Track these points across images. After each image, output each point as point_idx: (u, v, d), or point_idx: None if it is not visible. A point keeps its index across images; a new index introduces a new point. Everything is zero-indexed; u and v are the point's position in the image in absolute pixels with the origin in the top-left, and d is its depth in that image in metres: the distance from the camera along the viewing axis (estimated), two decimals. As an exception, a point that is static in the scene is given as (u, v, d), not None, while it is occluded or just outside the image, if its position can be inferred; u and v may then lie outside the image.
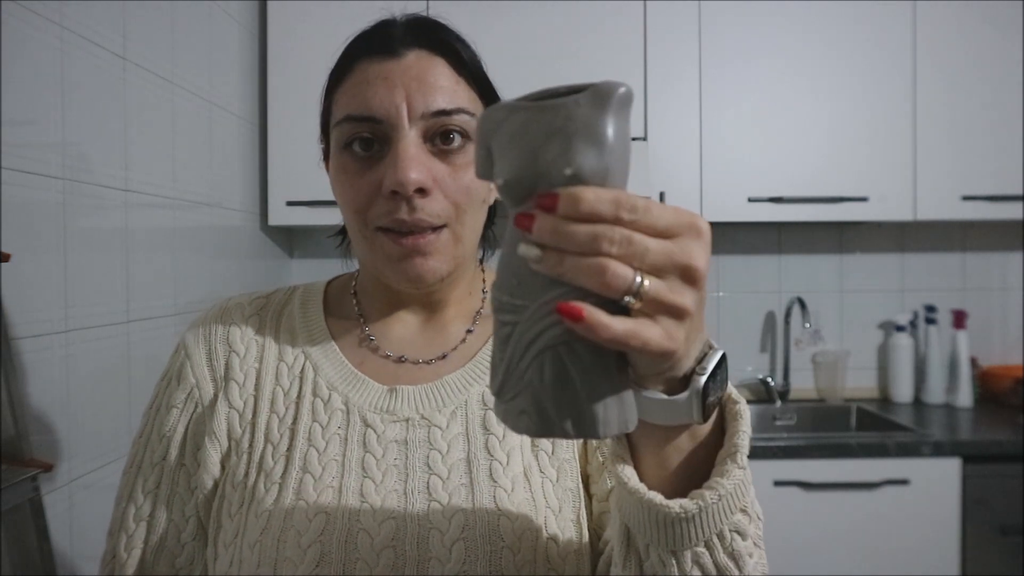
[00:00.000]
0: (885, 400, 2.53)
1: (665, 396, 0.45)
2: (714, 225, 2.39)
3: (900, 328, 2.48)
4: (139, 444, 0.73)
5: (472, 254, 0.73)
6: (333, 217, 2.41)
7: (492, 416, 0.69)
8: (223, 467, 0.70)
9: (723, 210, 2.22)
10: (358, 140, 0.66)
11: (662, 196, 2.21)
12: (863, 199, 2.22)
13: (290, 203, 2.17)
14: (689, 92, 2.22)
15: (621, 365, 0.43)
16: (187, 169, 1.71)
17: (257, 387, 0.71)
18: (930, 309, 2.51)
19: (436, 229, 0.66)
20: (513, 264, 0.42)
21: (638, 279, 0.38)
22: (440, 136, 0.66)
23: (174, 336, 1.62)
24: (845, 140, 2.23)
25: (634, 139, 2.19)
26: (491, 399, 0.69)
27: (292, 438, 0.69)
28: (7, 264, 1.02)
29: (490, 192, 0.71)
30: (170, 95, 1.62)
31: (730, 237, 2.58)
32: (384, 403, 0.70)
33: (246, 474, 0.68)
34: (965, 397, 2.38)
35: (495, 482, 0.66)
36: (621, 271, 0.38)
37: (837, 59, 2.23)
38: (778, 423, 2.41)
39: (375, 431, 0.69)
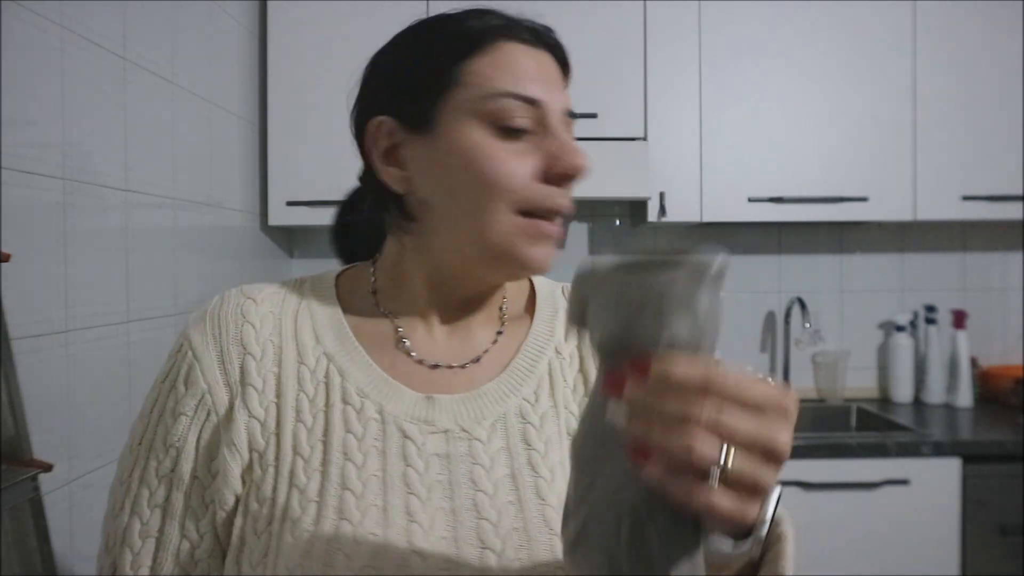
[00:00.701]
0: (885, 400, 2.54)
1: (730, 549, 0.47)
2: (714, 225, 2.40)
3: (900, 328, 2.48)
4: (138, 453, 0.66)
5: None
6: (332, 217, 2.40)
7: (532, 430, 0.67)
8: (244, 481, 0.64)
9: (723, 210, 2.22)
10: (512, 120, 0.62)
11: (662, 196, 2.21)
12: (863, 199, 2.22)
13: (290, 203, 2.17)
14: (689, 92, 2.22)
15: (694, 527, 0.44)
16: (187, 169, 1.71)
17: (279, 393, 0.65)
18: (930, 309, 2.51)
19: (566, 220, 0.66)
20: (598, 420, 0.44)
21: (723, 457, 0.40)
22: None
23: (174, 336, 1.62)
24: (845, 140, 2.23)
25: (634, 139, 2.19)
26: (529, 413, 0.68)
27: (325, 451, 0.63)
28: (7, 264, 1.02)
29: None
30: (170, 95, 1.62)
31: (730, 237, 2.58)
32: (421, 412, 0.66)
33: (274, 489, 0.62)
34: (965, 397, 2.38)
35: (542, 500, 0.64)
36: (707, 450, 0.39)
37: (837, 59, 2.23)
38: (778, 423, 2.41)
39: (414, 443, 0.65)
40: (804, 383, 2.57)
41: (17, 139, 1.12)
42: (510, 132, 0.62)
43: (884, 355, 2.58)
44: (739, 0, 2.22)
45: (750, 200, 2.22)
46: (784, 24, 2.23)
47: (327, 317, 0.70)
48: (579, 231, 2.57)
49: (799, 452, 1.97)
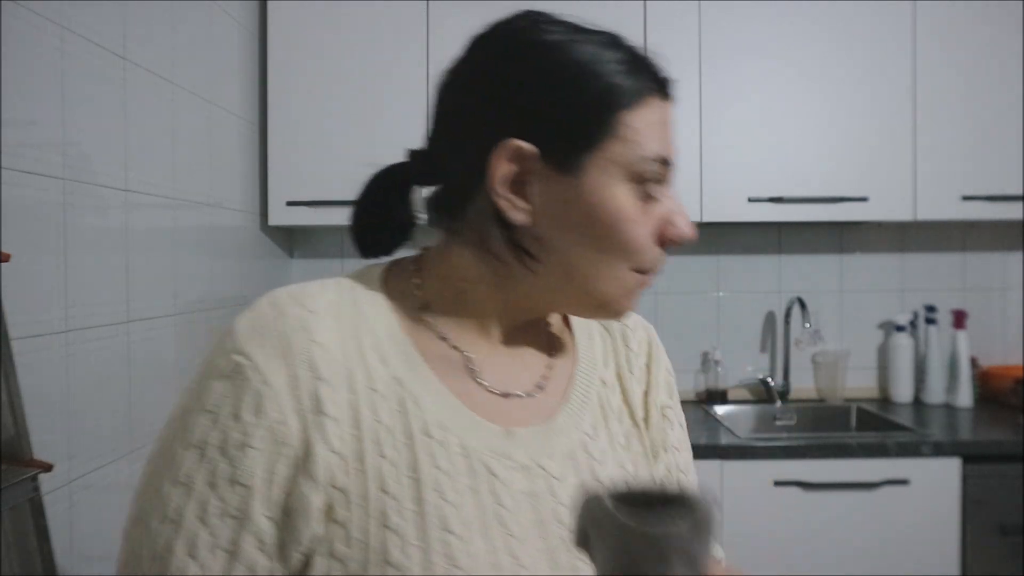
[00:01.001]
0: (885, 400, 2.53)
1: None
2: (714, 225, 2.40)
3: (900, 328, 2.48)
4: (190, 489, 0.57)
5: None
6: (332, 217, 2.42)
7: (596, 466, 0.67)
8: (325, 521, 0.58)
9: (723, 210, 2.22)
10: (654, 185, 0.62)
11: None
12: (863, 199, 2.22)
13: (290, 203, 2.17)
14: (689, 92, 2.22)
15: None
16: (187, 169, 1.71)
17: (356, 424, 0.59)
18: (930, 309, 2.51)
19: None
20: None
21: None
22: None
23: (174, 336, 1.62)
24: (845, 140, 2.23)
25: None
26: (591, 447, 0.67)
27: (417, 490, 0.58)
28: (7, 264, 1.02)
29: None
30: (170, 95, 1.62)
31: (730, 237, 2.58)
32: (501, 447, 0.63)
33: (365, 531, 0.57)
34: (965, 397, 2.38)
35: None
36: None
37: (837, 59, 2.23)
38: (778, 423, 2.41)
39: (501, 480, 0.61)
40: (804, 383, 2.57)
41: (17, 139, 1.12)
42: (648, 195, 0.62)
43: (884, 355, 2.58)
44: (739, 0, 2.22)
45: (750, 200, 2.22)
46: (784, 24, 2.23)
47: (389, 334, 0.63)
48: (579, 231, 2.56)
49: (799, 452, 1.97)
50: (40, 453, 1.06)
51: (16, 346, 1.06)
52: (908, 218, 2.24)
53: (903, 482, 1.97)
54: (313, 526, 0.57)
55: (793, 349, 2.56)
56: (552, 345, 0.72)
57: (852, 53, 2.23)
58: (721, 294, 2.59)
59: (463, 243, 0.65)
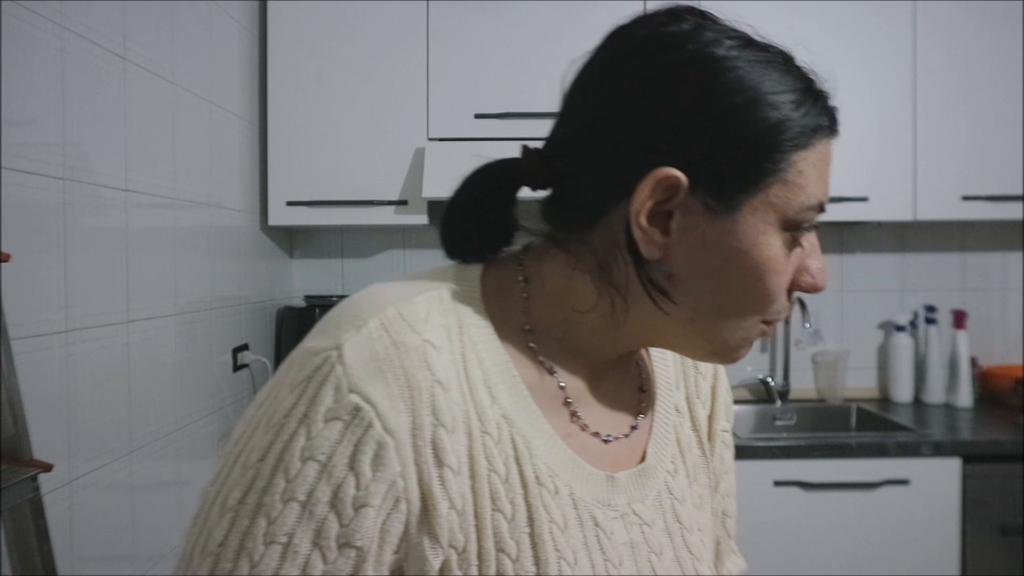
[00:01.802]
0: (885, 400, 2.54)
1: None
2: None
3: (900, 328, 2.48)
4: (298, 547, 0.49)
5: None
6: (332, 217, 2.41)
7: (678, 506, 0.63)
8: None
9: (723, 210, 2.22)
10: (806, 233, 0.56)
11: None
12: (863, 199, 2.22)
13: (290, 203, 2.17)
14: (689, 92, 2.22)
15: None
16: (187, 169, 1.71)
17: (472, 474, 0.53)
18: (930, 309, 2.51)
19: None
20: None
21: None
22: None
23: (174, 336, 1.62)
24: (845, 140, 2.20)
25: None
26: (672, 487, 0.63)
27: (535, 548, 0.53)
28: (7, 264, 1.02)
29: None
30: (170, 95, 1.62)
31: (730, 237, 2.58)
32: (604, 495, 0.58)
33: None
34: (965, 397, 2.38)
35: None
36: None
37: (837, 58, 2.21)
38: (778, 423, 2.41)
39: (604, 532, 0.57)
40: (804, 383, 2.57)
41: (17, 139, 1.12)
42: (800, 243, 0.55)
43: (884, 355, 2.58)
44: (738, 0, 2.21)
45: (750, 200, 2.22)
46: (784, 24, 2.21)
47: (495, 363, 0.56)
48: (579, 231, 2.56)
49: (799, 452, 1.97)
50: (40, 453, 1.06)
51: (16, 346, 1.06)
52: (908, 218, 2.24)
53: (903, 482, 1.97)
54: None
55: (793, 349, 2.56)
56: (639, 376, 0.67)
57: (852, 53, 2.23)
58: None
59: (583, 268, 0.57)
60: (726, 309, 0.55)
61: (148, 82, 1.52)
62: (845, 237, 2.60)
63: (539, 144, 0.60)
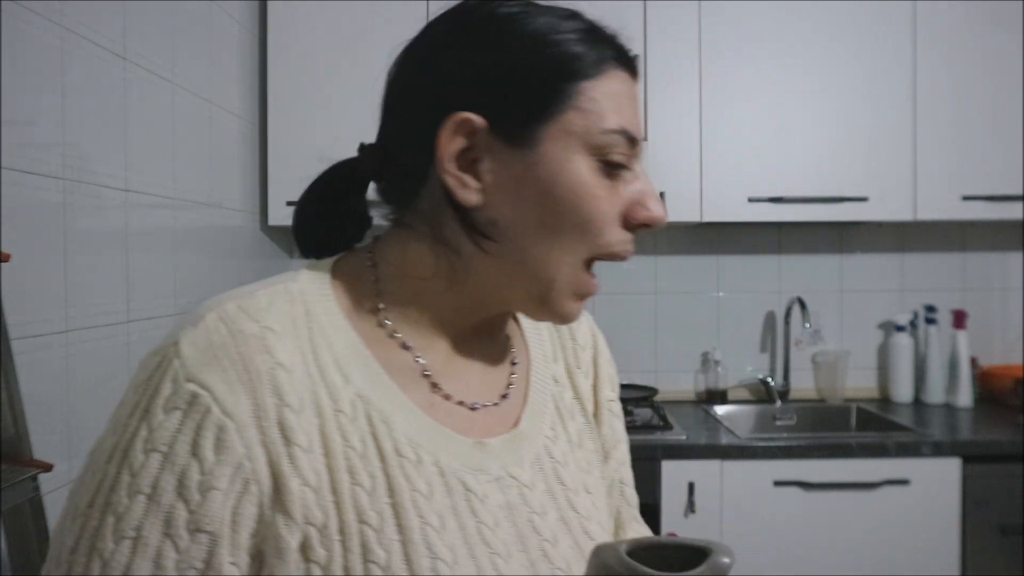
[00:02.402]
0: (885, 400, 2.54)
1: None
2: (714, 225, 2.40)
3: (900, 328, 2.48)
4: (148, 540, 0.50)
5: None
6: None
7: (560, 468, 0.65)
8: (302, 561, 0.53)
9: (723, 210, 2.22)
10: (617, 160, 0.57)
11: (662, 196, 2.21)
12: (863, 199, 2.22)
13: (290, 203, 2.15)
14: (689, 92, 2.22)
15: None
16: (187, 169, 1.71)
17: (326, 452, 0.54)
18: (930, 309, 2.51)
19: None
20: None
21: None
22: None
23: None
24: (845, 140, 2.23)
25: (634, 139, 2.19)
26: (553, 450, 0.65)
27: (398, 516, 0.54)
28: (7, 264, 1.02)
29: None
30: (170, 95, 1.62)
31: (730, 237, 2.58)
32: (474, 460, 0.59)
33: (345, 567, 0.52)
34: (965, 397, 2.38)
35: (592, 539, 0.63)
36: None
37: (837, 59, 2.23)
38: (778, 423, 2.41)
39: (477, 496, 0.58)
40: (804, 383, 2.57)
41: (17, 139, 1.12)
42: (611, 171, 0.57)
43: (884, 355, 2.58)
44: (739, 0, 2.22)
45: (750, 200, 2.22)
46: (784, 24, 2.23)
47: (345, 345, 0.58)
48: (579, 231, 2.56)
49: (799, 452, 1.97)
50: (40, 453, 1.06)
51: (16, 346, 1.06)
52: (908, 218, 2.24)
53: (903, 482, 1.97)
54: (291, 568, 0.51)
55: (793, 349, 2.56)
56: (509, 348, 0.69)
57: (852, 53, 2.23)
58: (721, 294, 2.59)
59: (417, 237, 0.60)
60: (549, 241, 0.57)
61: (148, 82, 1.52)
62: (845, 237, 2.60)
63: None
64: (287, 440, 0.52)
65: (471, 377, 0.64)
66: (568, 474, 0.65)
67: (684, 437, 2.03)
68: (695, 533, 1.96)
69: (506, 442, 0.62)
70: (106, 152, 1.37)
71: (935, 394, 2.44)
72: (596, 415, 0.73)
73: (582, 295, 0.61)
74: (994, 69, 2.23)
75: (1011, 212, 2.23)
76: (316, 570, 0.52)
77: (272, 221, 2.19)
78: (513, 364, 0.68)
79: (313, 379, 0.55)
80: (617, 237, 0.59)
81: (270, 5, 2.17)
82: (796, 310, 2.52)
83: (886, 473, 1.97)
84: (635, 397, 2.33)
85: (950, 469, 1.98)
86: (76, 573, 0.50)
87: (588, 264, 0.59)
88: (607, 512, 0.71)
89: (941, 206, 2.24)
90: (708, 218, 2.23)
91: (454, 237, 0.59)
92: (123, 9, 1.42)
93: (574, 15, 0.60)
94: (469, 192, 0.57)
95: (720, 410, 2.41)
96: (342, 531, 0.52)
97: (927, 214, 2.24)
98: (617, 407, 0.76)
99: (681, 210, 2.22)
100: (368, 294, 0.61)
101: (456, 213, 0.58)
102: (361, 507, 0.53)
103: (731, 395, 2.56)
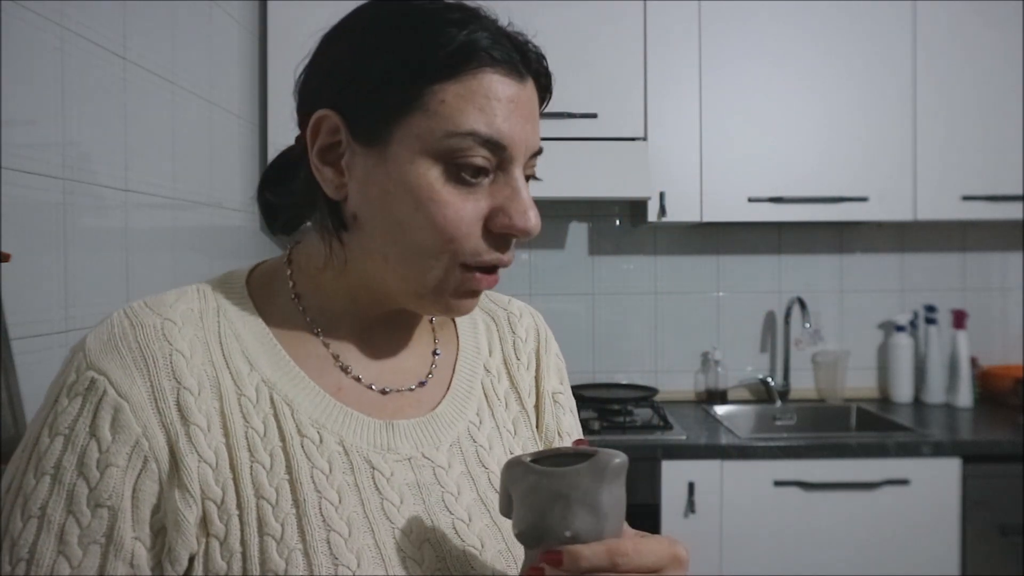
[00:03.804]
0: (885, 400, 2.54)
1: None
2: (714, 225, 2.40)
3: (900, 328, 2.48)
4: (52, 517, 0.53)
5: None
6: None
7: (483, 452, 0.66)
8: (201, 535, 0.55)
9: (723, 210, 2.22)
10: (471, 165, 0.56)
11: (662, 196, 2.21)
12: (863, 199, 2.22)
13: (290, 203, 2.17)
14: (689, 92, 2.22)
15: None
16: (187, 169, 1.71)
17: (226, 431, 0.57)
18: (930, 309, 2.51)
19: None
20: None
21: None
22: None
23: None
24: (845, 140, 2.23)
25: (634, 139, 2.19)
26: (477, 435, 0.67)
27: (294, 491, 0.56)
28: (7, 264, 1.02)
29: None
30: (170, 95, 1.62)
31: (730, 237, 2.58)
32: (382, 440, 0.62)
33: (242, 540, 0.54)
34: (965, 397, 2.38)
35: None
36: None
37: (837, 59, 2.23)
38: (778, 423, 2.41)
39: (383, 474, 0.60)
40: (804, 383, 2.57)
41: (17, 139, 1.12)
42: (466, 175, 0.57)
43: (884, 355, 2.58)
44: (739, 1, 2.22)
45: (750, 200, 2.22)
46: (784, 24, 2.23)
47: (254, 336, 0.61)
48: (579, 231, 2.57)
49: (799, 452, 1.97)
50: (40, 453, 1.06)
51: (16, 346, 1.06)
52: (908, 218, 2.24)
53: (903, 482, 1.97)
54: (191, 542, 0.54)
55: (793, 349, 2.56)
56: (431, 339, 0.71)
57: (852, 53, 2.23)
58: (721, 294, 2.59)
59: (315, 229, 0.64)
60: (404, 243, 0.58)
61: (148, 82, 1.52)
62: (845, 237, 2.60)
63: None
64: (184, 419, 0.55)
65: (385, 365, 0.66)
66: (492, 457, 0.67)
67: (684, 437, 2.03)
68: (695, 533, 1.96)
69: (419, 424, 0.64)
70: (106, 152, 1.37)
71: (935, 394, 2.44)
72: (537, 405, 0.75)
73: (467, 292, 0.61)
74: (994, 69, 2.23)
75: (1011, 212, 2.23)
76: (215, 543, 0.54)
77: (272, 221, 2.19)
78: (435, 355, 0.70)
79: (216, 365, 0.59)
80: (476, 245, 0.58)
81: (270, 5, 2.17)
82: (796, 310, 2.52)
83: (886, 473, 1.97)
84: (635, 397, 2.33)
85: (950, 469, 1.98)
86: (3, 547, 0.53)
87: (466, 266, 0.59)
88: None
89: (941, 206, 2.24)
90: (708, 218, 2.23)
91: (328, 229, 0.62)
92: (123, 9, 1.42)
93: (452, 11, 0.58)
94: (329, 186, 0.60)
95: (720, 410, 2.41)
96: (240, 505, 0.55)
97: (927, 214, 2.24)
98: (565, 399, 0.77)
99: (681, 210, 2.22)
100: (285, 289, 0.65)
101: (327, 206, 0.61)
102: (259, 483, 0.56)
103: (731, 395, 2.56)
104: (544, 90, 0.63)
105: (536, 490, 0.52)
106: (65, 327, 1.23)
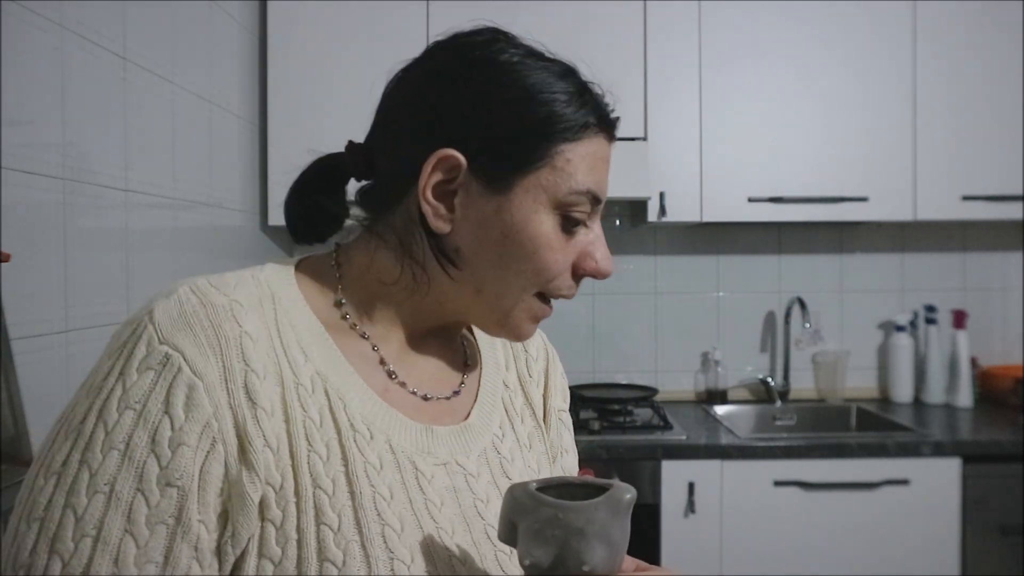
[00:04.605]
0: (885, 400, 2.54)
1: None
2: (714, 225, 2.40)
3: (900, 328, 2.48)
4: (121, 493, 0.52)
5: None
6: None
7: (506, 463, 0.69)
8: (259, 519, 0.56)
9: (723, 210, 2.22)
10: (578, 219, 0.63)
11: (662, 196, 2.21)
12: (863, 199, 2.22)
13: (290, 203, 2.17)
14: (689, 92, 2.22)
15: None
16: (187, 169, 1.71)
17: (287, 418, 0.57)
18: (930, 309, 2.51)
19: None
20: None
21: None
22: None
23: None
24: (845, 140, 2.23)
25: (634, 139, 2.19)
26: (500, 447, 0.70)
27: (350, 484, 0.58)
28: (7, 264, 1.02)
29: None
30: (170, 95, 1.62)
31: (730, 237, 2.58)
32: (423, 444, 0.64)
33: (299, 528, 0.55)
34: (965, 397, 2.38)
35: None
36: None
37: (837, 59, 2.23)
38: (778, 423, 2.41)
39: (424, 476, 0.62)
40: (804, 383, 2.57)
41: (17, 139, 1.12)
42: (571, 226, 0.63)
43: (884, 355, 2.58)
44: (739, 0, 2.22)
45: (750, 200, 2.22)
46: (784, 24, 2.23)
47: (308, 328, 0.62)
48: (579, 231, 2.56)
49: (799, 452, 1.97)
50: (40, 453, 1.06)
51: (16, 346, 1.06)
52: (908, 218, 2.24)
53: (903, 482, 1.97)
54: (254, 524, 0.55)
55: (793, 349, 2.56)
56: (464, 352, 0.74)
57: (852, 53, 2.23)
58: (721, 294, 2.59)
59: (386, 246, 0.65)
60: (504, 280, 0.63)
61: (148, 82, 1.52)
62: (845, 237, 2.60)
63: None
64: (252, 402, 0.56)
65: (424, 372, 0.69)
66: (515, 469, 0.69)
67: (684, 437, 2.03)
68: (695, 533, 1.96)
69: (455, 432, 0.67)
70: (106, 152, 1.37)
71: (935, 394, 2.44)
72: (546, 420, 0.78)
73: (537, 319, 0.67)
74: (994, 69, 2.23)
75: (1011, 212, 2.23)
76: (270, 528, 0.55)
77: (272, 221, 2.19)
78: (466, 366, 0.73)
79: (276, 352, 0.59)
80: (566, 283, 0.65)
81: (270, 5, 2.17)
82: (796, 310, 2.52)
83: (886, 473, 1.97)
84: (635, 397, 2.33)
85: (950, 469, 1.98)
86: (49, 532, 0.51)
87: (543, 297, 0.65)
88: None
89: (941, 206, 2.24)
90: (708, 218, 2.23)
91: (420, 254, 0.64)
92: (123, 9, 1.42)
93: (568, 73, 0.64)
94: (441, 221, 0.62)
95: (720, 410, 2.41)
96: (297, 493, 0.56)
97: (927, 214, 2.24)
98: (567, 418, 0.80)
99: (681, 210, 2.22)
100: (330, 289, 0.66)
101: (426, 235, 0.63)
102: (316, 472, 0.57)
103: (731, 395, 2.56)
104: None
105: (552, 523, 0.52)
106: (65, 327, 1.23)
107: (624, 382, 2.56)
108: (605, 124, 0.64)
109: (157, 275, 1.56)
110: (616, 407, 2.23)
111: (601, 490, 0.54)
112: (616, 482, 0.54)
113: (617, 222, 2.57)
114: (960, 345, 2.40)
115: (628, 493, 0.52)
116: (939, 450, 1.98)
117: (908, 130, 2.23)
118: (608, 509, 0.52)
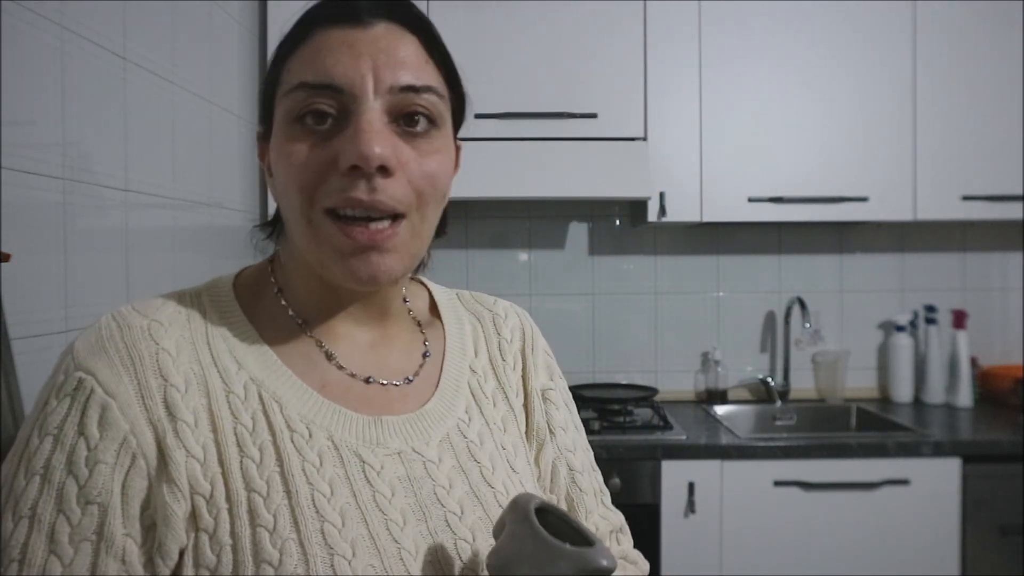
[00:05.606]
0: (885, 400, 2.53)
1: None
2: (714, 225, 2.40)
3: (900, 328, 2.48)
4: (42, 516, 0.53)
5: (422, 255, 0.67)
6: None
7: (474, 447, 0.68)
8: (191, 530, 0.56)
9: (723, 210, 2.22)
10: (312, 112, 0.59)
11: (662, 196, 2.21)
12: (863, 199, 2.22)
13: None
14: (689, 92, 2.22)
15: None
16: (187, 169, 1.71)
17: (214, 427, 0.58)
18: (930, 309, 2.51)
19: (395, 219, 0.60)
20: None
21: None
22: (405, 118, 0.60)
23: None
24: (845, 140, 2.23)
25: (634, 139, 2.19)
26: (467, 431, 0.69)
27: (286, 483, 0.57)
28: (7, 264, 1.02)
29: (449, 188, 0.66)
30: (170, 95, 1.62)
31: (730, 237, 2.58)
32: (371, 435, 0.63)
33: (232, 532, 0.55)
34: (965, 397, 2.38)
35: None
36: None
37: (837, 59, 2.23)
38: (778, 423, 2.41)
39: (373, 468, 0.61)
40: (804, 383, 2.57)
41: (17, 139, 1.12)
42: (308, 127, 0.59)
43: (884, 355, 2.58)
44: (739, 0, 2.22)
45: (750, 200, 2.22)
46: (784, 24, 2.23)
47: (241, 337, 0.63)
48: (579, 231, 2.57)
49: (799, 452, 1.97)
50: (40, 453, 1.06)
51: (16, 346, 1.06)
52: (908, 218, 2.24)
53: (903, 482, 1.97)
54: (180, 536, 0.55)
55: (793, 349, 2.56)
56: (423, 340, 0.73)
57: (852, 53, 2.23)
58: (721, 294, 2.59)
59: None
60: (289, 213, 0.62)
61: (148, 82, 1.52)
62: (845, 237, 2.60)
63: None
64: (172, 416, 0.57)
65: (368, 356, 0.68)
66: (484, 453, 0.68)
67: (684, 437, 2.03)
68: (695, 533, 1.96)
69: (409, 420, 0.66)
70: (106, 152, 1.37)
71: (935, 394, 2.44)
72: (526, 405, 0.76)
73: (344, 251, 0.59)
74: (994, 69, 2.23)
75: (1011, 212, 2.23)
76: (204, 537, 0.55)
77: (272, 221, 2.19)
78: (424, 356, 0.72)
79: (203, 364, 0.60)
80: (330, 187, 0.58)
81: (270, 5, 2.17)
82: (796, 310, 2.52)
83: (886, 473, 1.97)
84: (635, 397, 2.33)
85: (950, 469, 1.98)
86: None
87: (338, 218, 0.59)
88: (534, 487, 0.74)
89: (941, 206, 2.24)
90: (708, 218, 2.23)
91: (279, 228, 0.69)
92: (123, 9, 1.42)
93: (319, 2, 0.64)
94: (271, 189, 0.65)
95: (720, 410, 2.41)
96: (229, 499, 0.56)
97: (927, 214, 2.24)
98: (556, 396, 0.78)
99: (681, 210, 2.22)
100: (268, 288, 0.68)
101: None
102: (249, 476, 0.57)
103: (731, 395, 2.56)
104: (416, 31, 0.62)
105: (521, 540, 0.54)
106: (65, 327, 1.23)
107: (624, 382, 2.56)
108: (329, 19, 0.60)
109: (157, 275, 1.56)
110: (616, 407, 2.23)
111: (585, 540, 0.55)
112: (602, 547, 0.54)
113: (617, 222, 2.57)
114: (960, 345, 2.40)
115: (603, 560, 0.52)
116: (939, 450, 1.98)
117: (908, 130, 2.23)
118: (575, 565, 0.52)
